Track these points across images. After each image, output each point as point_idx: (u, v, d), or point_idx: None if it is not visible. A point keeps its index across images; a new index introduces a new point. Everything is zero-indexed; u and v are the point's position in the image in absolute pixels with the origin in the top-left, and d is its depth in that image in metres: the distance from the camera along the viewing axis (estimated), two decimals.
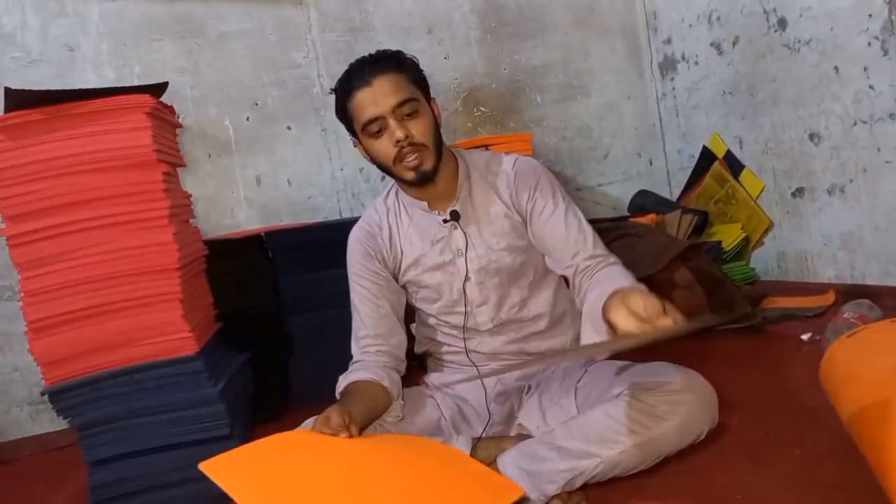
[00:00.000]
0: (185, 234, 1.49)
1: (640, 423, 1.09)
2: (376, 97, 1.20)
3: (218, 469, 0.90)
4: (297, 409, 1.94)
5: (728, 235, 2.40)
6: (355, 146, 1.32)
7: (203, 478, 1.42)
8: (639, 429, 1.09)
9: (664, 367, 1.18)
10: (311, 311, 2.02)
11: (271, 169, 2.30)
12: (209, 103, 2.22)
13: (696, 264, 2.13)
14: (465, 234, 1.31)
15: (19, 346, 2.05)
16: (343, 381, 1.27)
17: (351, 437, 1.06)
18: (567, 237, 1.28)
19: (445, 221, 1.31)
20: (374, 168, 2.33)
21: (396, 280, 1.38)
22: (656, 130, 2.77)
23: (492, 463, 1.22)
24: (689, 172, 2.66)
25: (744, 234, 2.39)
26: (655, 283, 2.25)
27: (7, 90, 1.25)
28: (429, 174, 1.24)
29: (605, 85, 2.69)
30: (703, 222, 2.44)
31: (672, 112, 2.70)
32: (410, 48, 2.31)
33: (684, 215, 2.36)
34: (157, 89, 1.39)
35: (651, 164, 2.77)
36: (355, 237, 1.39)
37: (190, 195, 1.66)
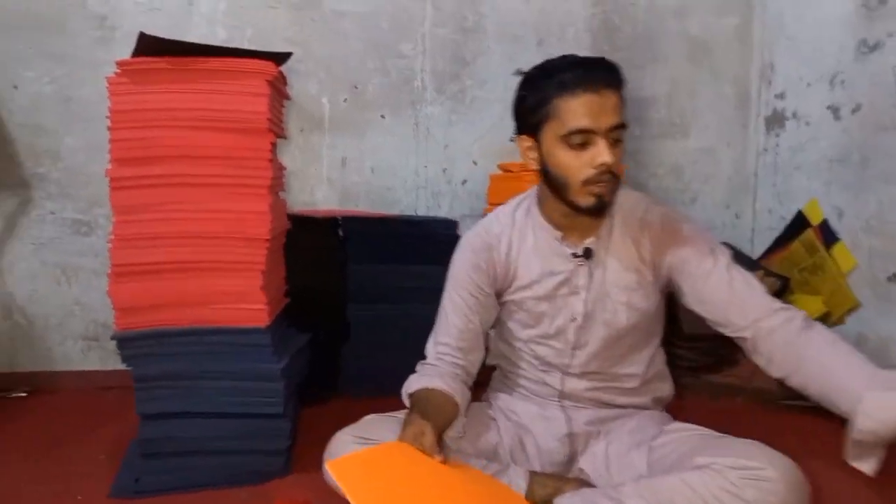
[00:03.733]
0: (277, 205, 1.48)
1: (718, 500, 1.01)
2: (601, 109, 1.09)
3: (341, 470, 0.91)
4: (342, 398, 1.93)
5: (808, 307, 2.28)
6: (514, 140, 1.22)
7: (248, 451, 1.41)
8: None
9: (758, 447, 1.08)
10: (374, 303, 2.01)
11: (358, 154, 2.28)
12: (311, 79, 2.22)
13: None
14: (591, 274, 1.24)
15: (85, 281, 2.09)
16: (415, 383, 1.22)
17: (443, 460, 1.02)
18: (732, 297, 1.17)
19: (576, 256, 1.24)
20: (457, 172, 2.36)
21: (499, 296, 1.32)
22: (750, 185, 2.66)
23: (547, 502, 1.17)
24: (775, 234, 2.55)
25: (825, 309, 2.27)
26: (728, 342, 2.16)
27: (141, 35, 1.25)
28: (605, 207, 1.16)
29: (706, 128, 2.60)
30: (783, 288, 2.33)
31: (770, 169, 2.59)
32: (518, 58, 2.32)
33: (767, 277, 2.25)
34: (281, 58, 1.38)
35: (737, 217, 2.66)
36: (470, 245, 1.31)
37: (284, 168, 1.65)
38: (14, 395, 1.98)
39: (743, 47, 2.59)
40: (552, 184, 1.19)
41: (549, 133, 1.15)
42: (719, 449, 1.08)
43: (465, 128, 2.34)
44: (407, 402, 1.23)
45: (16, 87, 1.99)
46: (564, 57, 1.17)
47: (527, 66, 2.49)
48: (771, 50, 2.56)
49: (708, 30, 2.54)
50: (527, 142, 1.20)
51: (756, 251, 2.65)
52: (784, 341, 1.14)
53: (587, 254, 1.23)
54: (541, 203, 1.27)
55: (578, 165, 1.13)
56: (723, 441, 1.13)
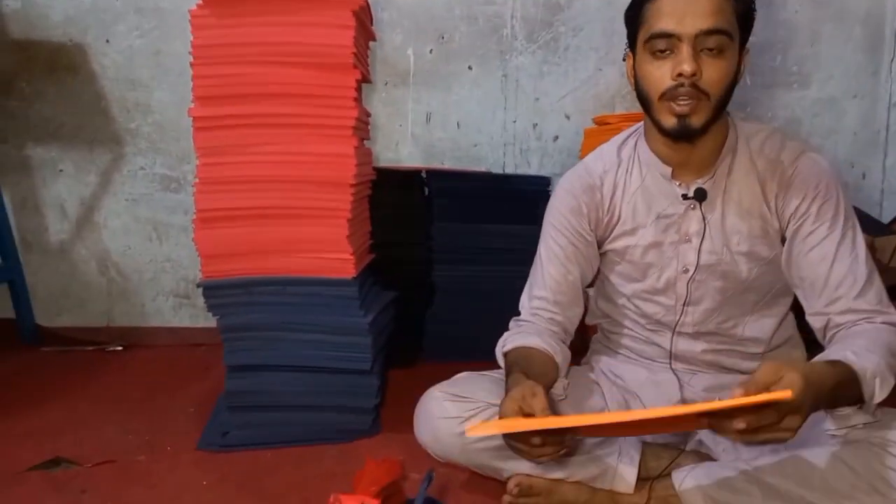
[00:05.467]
0: (362, 151, 1.39)
1: (887, 483, 0.85)
2: (686, 9, 0.94)
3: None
4: (427, 362, 1.85)
5: None
6: (625, 60, 1.09)
7: (335, 408, 1.35)
8: (885, 488, 0.85)
9: None
10: (460, 263, 1.92)
11: (443, 108, 2.17)
12: (396, 28, 2.12)
13: None
14: (704, 219, 1.08)
15: (175, 238, 2.11)
16: (511, 342, 1.11)
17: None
18: (829, 276, 1.01)
19: (686, 198, 1.08)
20: (548, 127, 2.22)
21: (599, 246, 1.18)
22: (880, 140, 2.36)
23: (663, 475, 1.04)
24: None
25: None
26: None
27: None
28: (692, 131, 0.99)
29: (829, 77, 2.32)
30: None
31: None
32: (618, 2, 2.13)
33: None
34: None
35: (864, 177, 2.38)
36: (569, 188, 1.17)
37: (370, 114, 1.56)
38: (111, 348, 2.03)
39: None
40: (642, 103, 1.04)
41: (640, 42, 1.01)
42: (876, 419, 0.91)
43: (557, 79, 2.19)
44: (501, 361, 1.13)
45: (108, 41, 2.01)
46: None
47: (624, 9, 2.30)
48: None
49: None
50: (630, 58, 1.07)
51: (886, 215, 2.37)
52: (834, 339, 0.99)
53: (699, 195, 1.06)
54: (647, 134, 1.12)
55: (658, 76, 0.98)
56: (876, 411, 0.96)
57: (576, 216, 1.15)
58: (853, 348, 0.90)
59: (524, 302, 1.20)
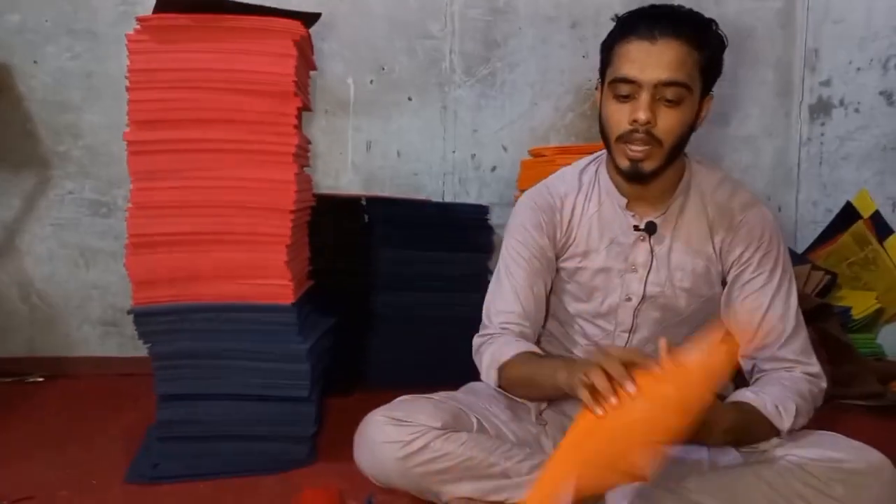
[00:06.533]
0: (302, 178, 1.40)
1: (805, 500, 0.90)
2: (648, 58, 0.99)
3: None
4: (366, 390, 1.83)
5: (860, 303, 2.16)
6: (596, 89, 1.14)
7: (272, 437, 1.32)
8: None
9: (840, 440, 0.98)
10: (400, 291, 1.92)
11: (384, 137, 2.21)
12: (337, 58, 2.15)
13: (823, 326, 1.91)
14: (651, 251, 1.13)
15: (103, 264, 2.04)
16: (506, 352, 1.09)
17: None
18: (760, 325, 1.08)
19: (637, 229, 1.13)
20: (486, 158, 2.28)
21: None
22: (793, 176, 2.54)
23: (599, 499, 1.07)
24: (820, 227, 2.43)
25: (878, 305, 2.15)
26: None
27: None
28: (643, 175, 1.05)
29: (747, 117, 2.48)
30: (830, 283, 2.21)
31: (815, 159, 2.47)
32: (551, 40, 2.23)
33: (814, 271, 2.14)
34: (310, 19, 1.31)
35: (780, 210, 2.53)
36: (531, 203, 1.20)
37: (310, 142, 1.57)
38: (31, 379, 1.93)
39: (785, 32, 2.48)
40: (602, 137, 1.10)
41: (606, 80, 1.07)
42: (794, 440, 0.98)
43: (494, 112, 2.26)
44: (495, 376, 1.10)
45: (35, 61, 1.95)
46: (654, 5, 1.08)
47: (560, 49, 2.40)
48: (815, 35, 2.45)
49: (748, 14, 2.43)
50: (598, 91, 1.12)
51: (800, 245, 2.53)
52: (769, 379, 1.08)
53: (650, 228, 1.12)
54: (607, 164, 1.17)
55: (617, 119, 1.04)
56: (796, 432, 1.02)
57: (538, 232, 1.18)
58: (754, 389, 1.00)
59: (489, 317, 1.20)
